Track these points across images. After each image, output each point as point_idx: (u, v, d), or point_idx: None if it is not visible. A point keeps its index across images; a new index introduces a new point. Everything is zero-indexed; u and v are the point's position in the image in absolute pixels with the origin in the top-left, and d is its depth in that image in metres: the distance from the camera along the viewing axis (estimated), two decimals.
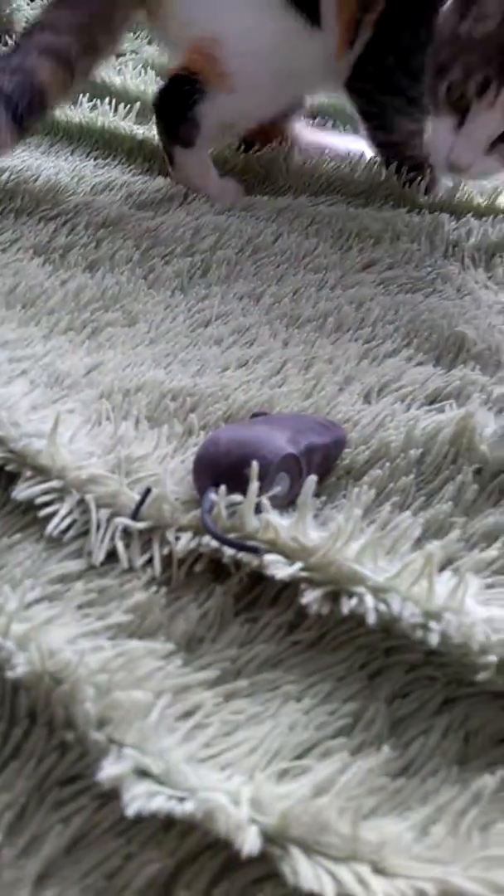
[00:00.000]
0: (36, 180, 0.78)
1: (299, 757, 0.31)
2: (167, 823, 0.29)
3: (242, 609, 0.38)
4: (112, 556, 0.39)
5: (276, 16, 0.75)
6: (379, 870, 0.26)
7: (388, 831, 0.28)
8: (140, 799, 0.27)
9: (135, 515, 0.40)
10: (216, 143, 0.83)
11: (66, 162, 0.87)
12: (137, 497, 0.40)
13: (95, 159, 0.90)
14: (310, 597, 0.35)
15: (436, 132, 0.69)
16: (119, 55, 1.18)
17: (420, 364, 0.58)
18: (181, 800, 0.28)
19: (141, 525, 0.40)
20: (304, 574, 0.36)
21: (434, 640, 0.32)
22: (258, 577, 0.39)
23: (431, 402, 0.53)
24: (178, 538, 0.39)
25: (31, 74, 0.71)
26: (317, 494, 0.44)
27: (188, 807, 0.27)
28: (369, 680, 0.34)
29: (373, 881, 0.26)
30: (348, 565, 0.36)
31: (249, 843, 0.26)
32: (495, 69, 0.62)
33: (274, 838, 0.28)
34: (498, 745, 0.32)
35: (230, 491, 0.39)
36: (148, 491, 0.40)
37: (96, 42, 0.76)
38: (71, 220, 0.72)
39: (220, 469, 0.40)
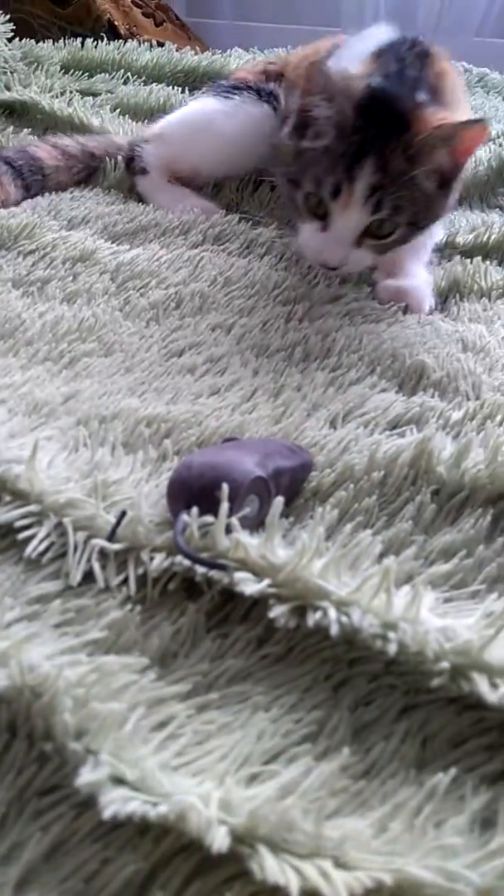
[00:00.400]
0: (13, 216, 0.81)
1: (267, 763, 0.33)
2: (142, 829, 0.31)
3: (214, 625, 0.40)
4: (89, 576, 0.41)
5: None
6: (340, 864, 0.28)
7: (350, 829, 0.30)
8: (116, 803, 0.29)
9: (111, 537, 0.42)
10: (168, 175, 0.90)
11: (42, 197, 0.90)
12: (113, 520, 0.42)
13: (71, 192, 0.93)
14: (277, 611, 0.38)
15: (304, 236, 0.73)
16: (95, 94, 1.22)
17: (383, 391, 0.61)
18: (155, 804, 0.29)
19: (117, 546, 0.42)
20: (271, 590, 0.38)
21: (392, 649, 0.34)
22: (229, 595, 0.41)
23: (393, 428, 0.56)
24: (152, 558, 0.41)
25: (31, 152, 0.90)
26: (285, 515, 0.47)
27: (161, 809, 0.29)
28: (334, 690, 0.36)
29: (334, 874, 0.28)
30: (313, 581, 0.38)
31: (219, 841, 0.28)
32: (342, 174, 0.66)
33: (243, 837, 0.29)
34: (454, 749, 0.34)
35: (202, 512, 0.41)
36: (123, 514, 0.42)
37: None
38: (49, 253, 0.75)
39: (193, 492, 0.42)
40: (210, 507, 0.41)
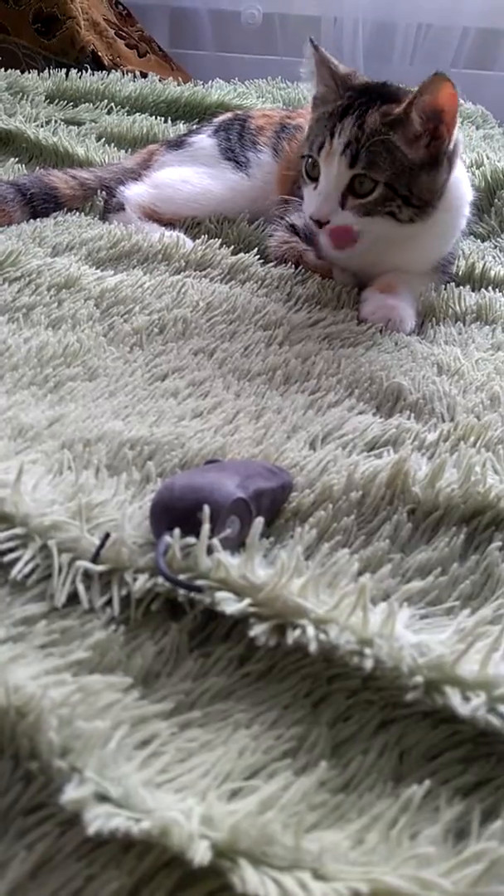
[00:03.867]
0: None
1: (248, 778, 0.34)
2: (126, 846, 0.32)
3: (196, 645, 0.41)
4: (74, 597, 0.42)
5: None
6: (319, 875, 0.29)
7: (328, 841, 0.30)
8: (100, 820, 0.30)
9: (95, 559, 0.43)
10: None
11: (27, 224, 0.91)
12: (97, 542, 0.43)
13: (55, 218, 0.94)
14: (258, 630, 0.39)
15: (305, 202, 0.80)
16: (79, 124, 1.24)
17: (361, 413, 0.62)
18: (138, 820, 0.30)
19: (100, 568, 0.42)
20: (252, 609, 0.39)
21: (368, 664, 0.35)
22: (211, 615, 0.42)
23: (371, 449, 0.57)
24: (135, 579, 0.42)
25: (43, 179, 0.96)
26: (266, 535, 0.48)
27: (145, 825, 0.30)
28: (313, 706, 0.37)
29: (313, 886, 0.28)
30: (292, 600, 0.39)
31: (200, 855, 0.29)
32: (327, 132, 0.75)
33: (224, 851, 0.30)
34: (429, 762, 0.36)
35: (185, 534, 0.42)
36: (107, 536, 0.43)
37: None
38: (34, 280, 0.76)
39: (175, 513, 0.43)
40: (192, 528, 0.42)
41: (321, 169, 0.76)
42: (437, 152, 0.75)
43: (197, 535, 0.42)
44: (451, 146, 0.76)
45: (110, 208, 0.95)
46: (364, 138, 0.73)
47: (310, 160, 0.78)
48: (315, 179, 0.77)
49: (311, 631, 0.37)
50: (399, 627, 0.37)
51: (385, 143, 0.73)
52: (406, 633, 0.37)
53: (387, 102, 0.75)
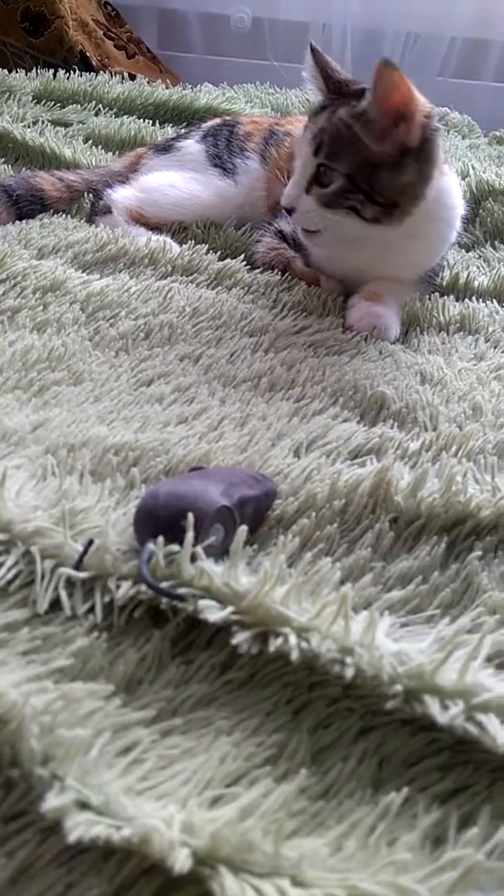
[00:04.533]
0: None
1: (229, 786, 0.34)
2: (106, 853, 0.32)
3: (179, 652, 0.41)
4: (56, 604, 0.42)
5: None
6: (298, 882, 0.29)
7: (307, 848, 0.31)
8: (81, 827, 0.30)
9: (78, 566, 0.43)
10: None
11: (13, 225, 0.91)
12: (81, 548, 0.43)
13: (41, 220, 0.94)
14: (240, 637, 0.39)
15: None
16: (67, 125, 1.24)
17: (345, 421, 0.63)
18: (119, 828, 0.30)
19: (83, 574, 0.42)
20: (235, 617, 0.40)
21: (349, 673, 0.36)
22: (194, 622, 0.42)
23: (354, 457, 0.58)
24: (118, 586, 0.42)
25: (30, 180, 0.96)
26: (250, 543, 0.48)
27: (125, 832, 0.30)
28: (294, 714, 0.38)
29: (292, 892, 0.29)
30: (275, 608, 0.39)
31: (181, 862, 0.29)
32: (306, 126, 0.78)
33: (204, 859, 0.30)
34: (408, 769, 0.36)
35: (168, 541, 0.42)
36: (90, 542, 0.43)
37: None
38: (19, 282, 0.76)
39: (159, 521, 0.43)
40: (176, 536, 0.42)
41: (296, 159, 0.78)
42: (404, 145, 0.74)
43: (181, 542, 0.42)
44: (418, 145, 0.74)
45: (97, 211, 0.95)
46: (331, 128, 0.75)
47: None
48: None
49: (292, 639, 0.38)
50: (380, 636, 0.37)
51: (349, 136, 0.74)
52: (386, 642, 0.37)
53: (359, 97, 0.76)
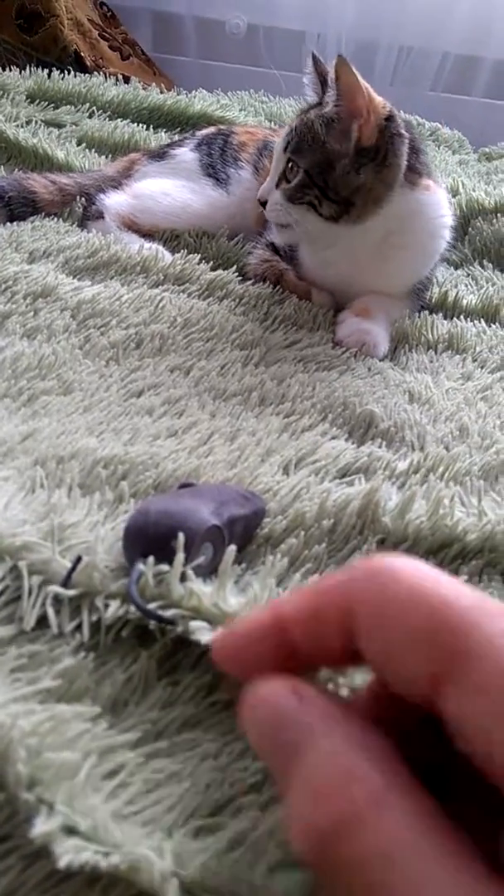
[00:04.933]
0: None
1: (214, 813, 0.34)
2: (91, 880, 0.32)
3: (165, 673, 0.41)
4: (42, 621, 0.42)
5: None
6: None
7: (292, 881, 0.31)
8: (70, 853, 0.29)
9: (66, 583, 0.42)
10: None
11: (3, 227, 0.90)
12: (69, 565, 0.43)
13: (32, 222, 0.93)
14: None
15: None
16: (60, 126, 1.23)
17: (334, 438, 0.63)
18: (106, 854, 0.30)
19: (71, 592, 0.42)
20: None
21: (344, 693, 0.36)
22: (181, 642, 0.42)
23: (343, 476, 0.58)
24: (107, 605, 0.42)
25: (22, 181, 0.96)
26: (238, 562, 0.48)
27: (113, 860, 0.30)
28: None
29: None
30: None
31: (171, 894, 0.29)
32: None
33: (192, 890, 0.30)
34: None
35: (158, 560, 0.42)
36: (79, 559, 0.43)
37: None
38: (10, 287, 0.75)
39: (149, 540, 0.43)
40: (166, 555, 0.42)
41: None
42: (356, 140, 0.75)
43: (171, 562, 0.42)
44: (375, 147, 0.76)
45: (89, 215, 0.95)
46: (300, 126, 0.78)
47: None
48: None
49: None
50: None
51: (312, 133, 0.77)
52: None
53: None
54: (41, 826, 0.30)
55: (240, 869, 0.30)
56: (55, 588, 0.42)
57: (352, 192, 0.77)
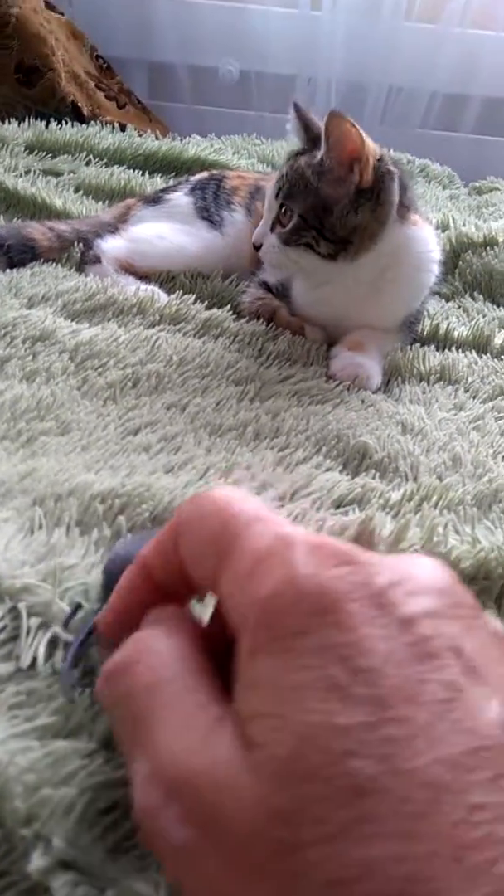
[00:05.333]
0: None
1: None
2: None
3: None
4: (36, 660, 0.42)
5: None
6: None
7: None
8: (66, 888, 0.30)
9: (66, 625, 0.43)
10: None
11: (3, 274, 0.93)
12: (67, 609, 0.44)
13: (31, 268, 0.96)
14: None
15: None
16: (58, 174, 1.27)
17: (328, 470, 0.64)
18: (102, 889, 0.30)
19: (69, 636, 0.43)
20: None
21: None
22: None
23: (337, 507, 0.59)
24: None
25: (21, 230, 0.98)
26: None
27: (109, 894, 0.30)
28: None
29: None
30: None
31: None
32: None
33: None
34: None
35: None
36: (79, 605, 0.44)
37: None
38: (9, 332, 0.77)
39: (114, 581, 0.44)
40: None
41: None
42: (354, 180, 0.79)
43: None
44: (371, 187, 0.80)
45: (87, 260, 0.97)
46: (291, 173, 0.81)
47: None
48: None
49: None
50: None
51: (304, 180, 0.80)
52: None
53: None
54: (38, 861, 0.31)
55: None
56: (56, 629, 0.43)
57: (349, 232, 0.80)
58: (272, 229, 0.83)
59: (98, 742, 0.38)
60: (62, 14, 1.88)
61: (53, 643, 0.43)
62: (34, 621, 0.43)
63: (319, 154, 0.79)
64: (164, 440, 0.65)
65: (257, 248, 0.85)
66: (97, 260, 0.96)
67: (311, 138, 0.84)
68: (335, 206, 0.79)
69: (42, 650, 0.42)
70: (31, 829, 0.32)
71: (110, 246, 0.97)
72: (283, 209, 0.82)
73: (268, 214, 0.85)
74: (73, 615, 0.43)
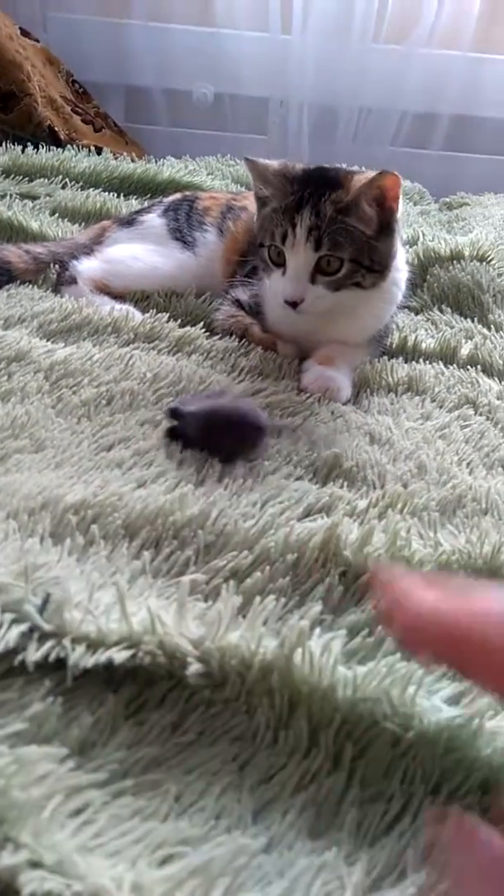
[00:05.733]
0: None
1: (177, 846, 0.35)
2: None
3: (132, 713, 0.43)
4: (11, 671, 0.43)
5: None
6: None
7: None
8: (34, 883, 0.31)
9: (41, 613, 0.44)
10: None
11: None
12: (38, 601, 0.45)
13: (8, 290, 0.98)
14: (193, 669, 0.41)
15: (272, 284, 0.86)
16: (34, 198, 1.29)
17: (297, 479, 0.66)
18: (69, 885, 0.32)
19: (47, 627, 0.44)
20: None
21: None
22: (148, 682, 0.44)
23: (306, 515, 0.60)
24: (74, 649, 0.44)
25: None
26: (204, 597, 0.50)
27: (76, 888, 0.31)
28: (240, 770, 0.39)
29: None
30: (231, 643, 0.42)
31: None
32: (287, 223, 0.82)
33: None
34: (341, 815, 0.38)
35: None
36: (48, 596, 0.45)
37: None
38: None
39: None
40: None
41: (287, 256, 0.82)
42: (389, 221, 0.84)
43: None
44: (398, 215, 0.85)
45: (63, 281, 0.99)
46: (324, 225, 0.81)
47: (273, 248, 0.84)
48: (279, 266, 0.84)
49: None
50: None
51: (343, 226, 0.81)
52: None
53: (330, 187, 0.82)
54: (6, 860, 0.32)
55: None
56: (31, 618, 0.44)
57: (388, 258, 0.85)
58: (313, 281, 0.82)
59: (70, 748, 0.40)
60: (37, 41, 1.91)
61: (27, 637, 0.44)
62: (7, 616, 0.44)
63: (348, 199, 0.80)
64: (136, 455, 0.67)
65: (294, 304, 0.83)
66: (73, 281, 0.98)
67: (278, 179, 0.85)
68: (382, 240, 0.83)
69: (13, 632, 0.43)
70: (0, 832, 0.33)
71: (86, 267, 0.99)
72: (324, 260, 0.81)
73: (303, 269, 0.81)
74: (45, 605, 0.45)
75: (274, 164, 0.86)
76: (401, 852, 0.36)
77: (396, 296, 0.91)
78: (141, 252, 1.00)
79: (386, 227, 0.84)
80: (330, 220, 0.81)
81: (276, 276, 0.85)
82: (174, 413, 0.69)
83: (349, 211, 0.81)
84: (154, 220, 1.04)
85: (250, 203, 1.04)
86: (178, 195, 1.13)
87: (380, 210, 0.82)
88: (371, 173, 0.83)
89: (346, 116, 2.10)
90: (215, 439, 0.65)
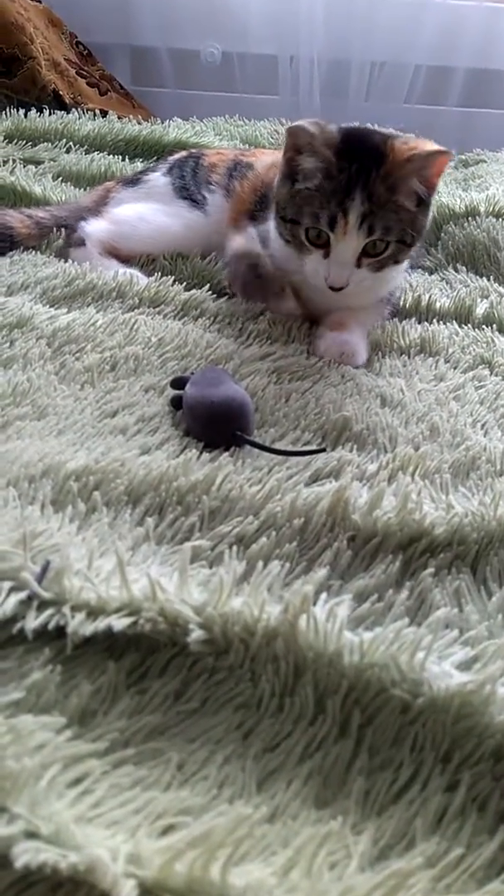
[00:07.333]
0: None
1: (177, 815, 0.34)
2: (54, 886, 0.32)
3: (133, 682, 0.41)
4: (10, 640, 0.42)
5: None
6: None
7: (253, 877, 0.31)
8: (28, 854, 0.30)
9: (39, 581, 0.43)
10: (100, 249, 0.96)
11: None
12: (37, 569, 0.44)
13: (11, 257, 0.96)
14: (195, 636, 0.40)
15: (310, 265, 0.80)
16: (38, 163, 1.26)
17: (306, 444, 0.64)
18: (65, 856, 0.31)
19: (46, 595, 0.43)
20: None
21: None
22: (150, 649, 0.43)
23: (314, 480, 0.59)
24: (73, 616, 0.42)
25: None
26: (210, 563, 0.49)
27: (72, 859, 0.30)
28: (243, 738, 0.38)
29: None
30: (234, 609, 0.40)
31: (126, 893, 0.30)
32: (336, 208, 0.76)
33: (152, 890, 0.31)
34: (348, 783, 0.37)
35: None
36: (48, 563, 0.44)
37: None
38: None
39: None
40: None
41: (333, 241, 0.77)
42: (430, 195, 0.80)
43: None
44: None
45: (71, 243, 0.96)
46: (377, 210, 0.76)
47: (312, 230, 0.78)
48: (320, 247, 0.79)
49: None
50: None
51: (392, 207, 0.77)
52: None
53: (375, 160, 0.76)
54: (0, 830, 0.31)
55: (199, 867, 0.31)
56: (30, 587, 0.43)
57: (424, 230, 0.82)
58: (358, 265, 0.78)
59: (70, 717, 0.39)
60: (39, 1, 1.86)
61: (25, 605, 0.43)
62: (6, 584, 0.43)
63: (399, 174, 0.75)
64: (141, 421, 0.65)
65: (338, 289, 0.79)
66: (81, 243, 0.95)
67: (320, 151, 0.77)
68: (421, 217, 0.80)
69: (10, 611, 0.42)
70: None
71: (94, 228, 0.96)
72: (371, 243, 0.77)
73: (351, 256, 0.77)
74: (45, 573, 0.44)
75: (315, 130, 0.77)
76: (409, 821, 0.35)
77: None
78: (148, 212, 0.97)
79: (426, 199, 0.80)
80: (382, 203, 0.76)
81: (314, 257, 0.79)
82: (177, 383, 0.68)
83: (397, 189, 0.77)
84: (158, 178, 1.01)
85: (257, 159, 1.01)
86: (183, 152, 1.09)
87: (426, 187, 0.79)
88: (412, 141, 0.79)
89: (357, 71, 2.03)
90: (211, 433, 0.63)
